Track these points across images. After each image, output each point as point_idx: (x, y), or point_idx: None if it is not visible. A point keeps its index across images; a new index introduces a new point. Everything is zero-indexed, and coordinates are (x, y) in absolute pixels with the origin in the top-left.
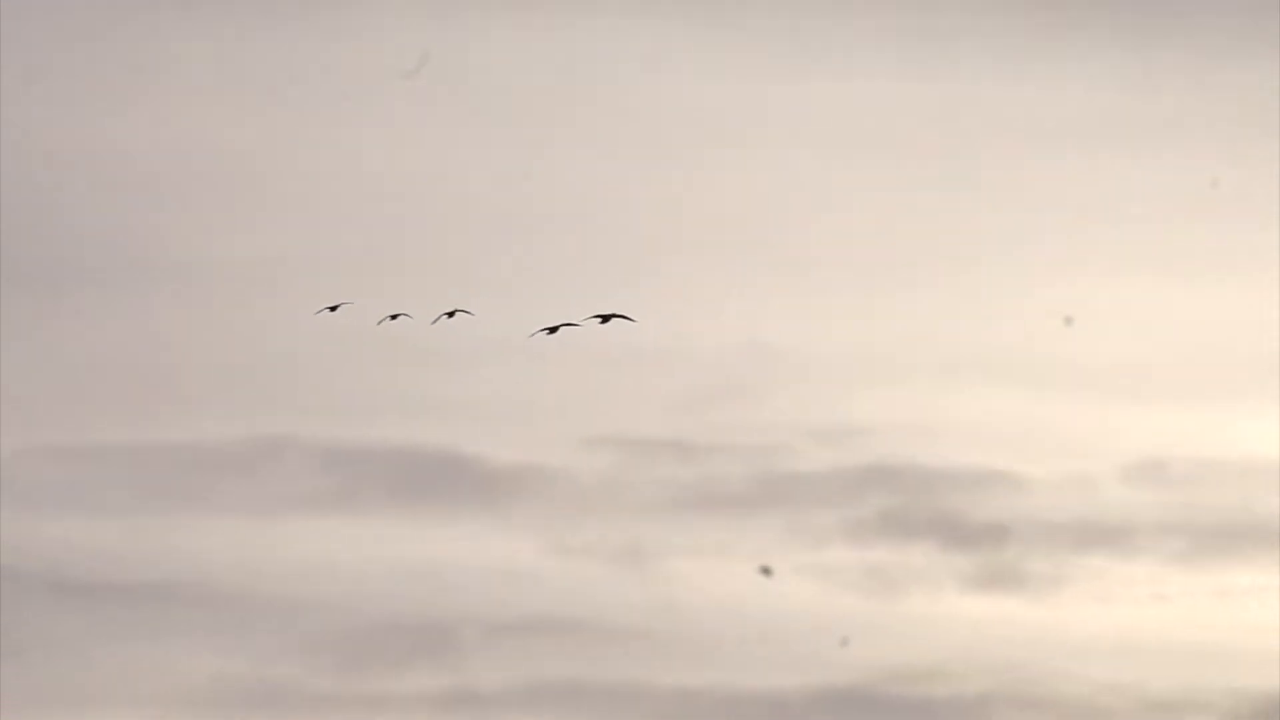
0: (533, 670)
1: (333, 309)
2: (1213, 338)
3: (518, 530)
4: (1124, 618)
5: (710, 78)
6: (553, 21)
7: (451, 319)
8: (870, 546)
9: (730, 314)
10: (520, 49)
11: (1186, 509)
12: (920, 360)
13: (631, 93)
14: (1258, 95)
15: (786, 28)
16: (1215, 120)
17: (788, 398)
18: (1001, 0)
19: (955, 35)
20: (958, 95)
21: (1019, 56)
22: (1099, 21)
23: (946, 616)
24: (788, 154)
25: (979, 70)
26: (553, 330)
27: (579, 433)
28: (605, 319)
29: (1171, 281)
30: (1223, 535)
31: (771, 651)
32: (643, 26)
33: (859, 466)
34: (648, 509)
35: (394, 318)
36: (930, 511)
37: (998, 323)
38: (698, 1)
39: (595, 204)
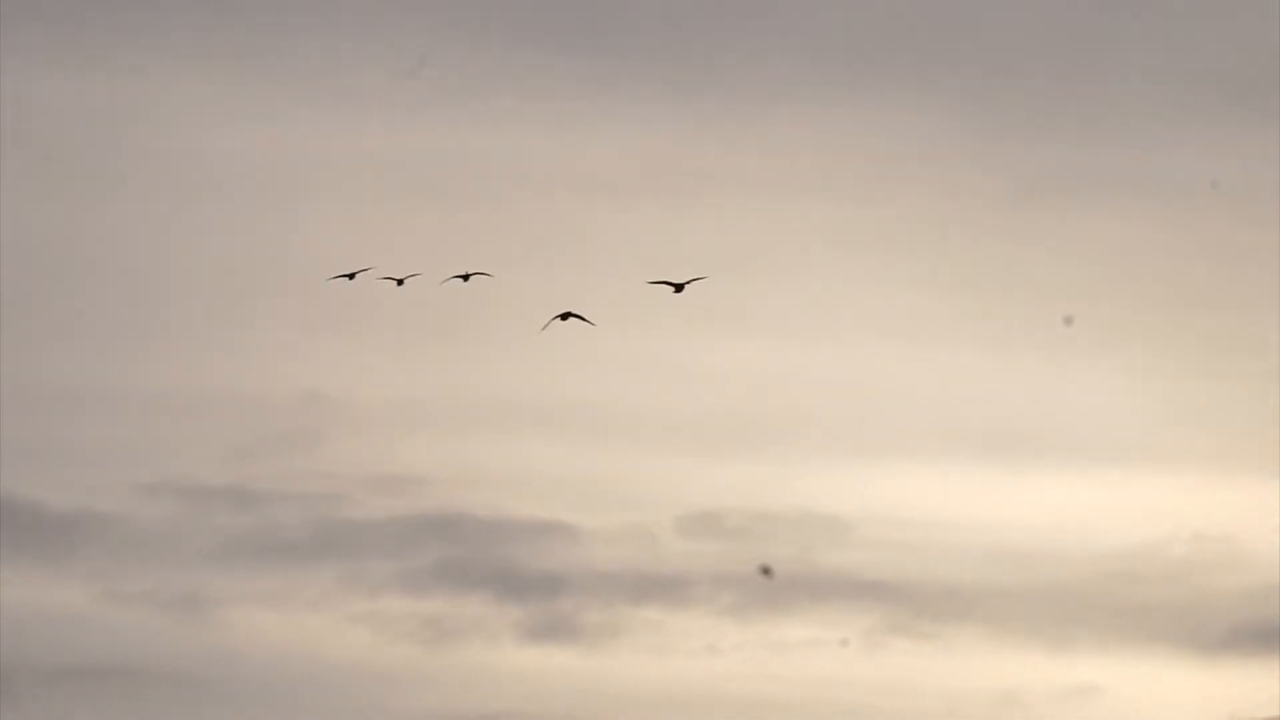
0: (87, 718)
1: (350, 277)
2: (767, 390)
3: (72, 577)
4: (678, 669)
5: (256, 125)
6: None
7: (466, 282)
8: (426, 596)
9: (288, 362)
10: (62, 98)
11: (740, 561)
12: (476, 410)
13: (174, 142)
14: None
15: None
16: (789, 170)
17: (345, 447)
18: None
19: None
20: (473, 146)
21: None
22: (650, 73)
23: (503, 667)
24: (344, 204)
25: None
26: (564, 318)
27: (135, 479)
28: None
29: (724, 335)
30: (776, 588)
31: (327, 700)
32: (177, 77)
33: (415, 516)
34: (204, 556)
35: (400, 283)
36: (486, 562)
37: (552, 373)
38: (228, 53)
39: (154, 252)
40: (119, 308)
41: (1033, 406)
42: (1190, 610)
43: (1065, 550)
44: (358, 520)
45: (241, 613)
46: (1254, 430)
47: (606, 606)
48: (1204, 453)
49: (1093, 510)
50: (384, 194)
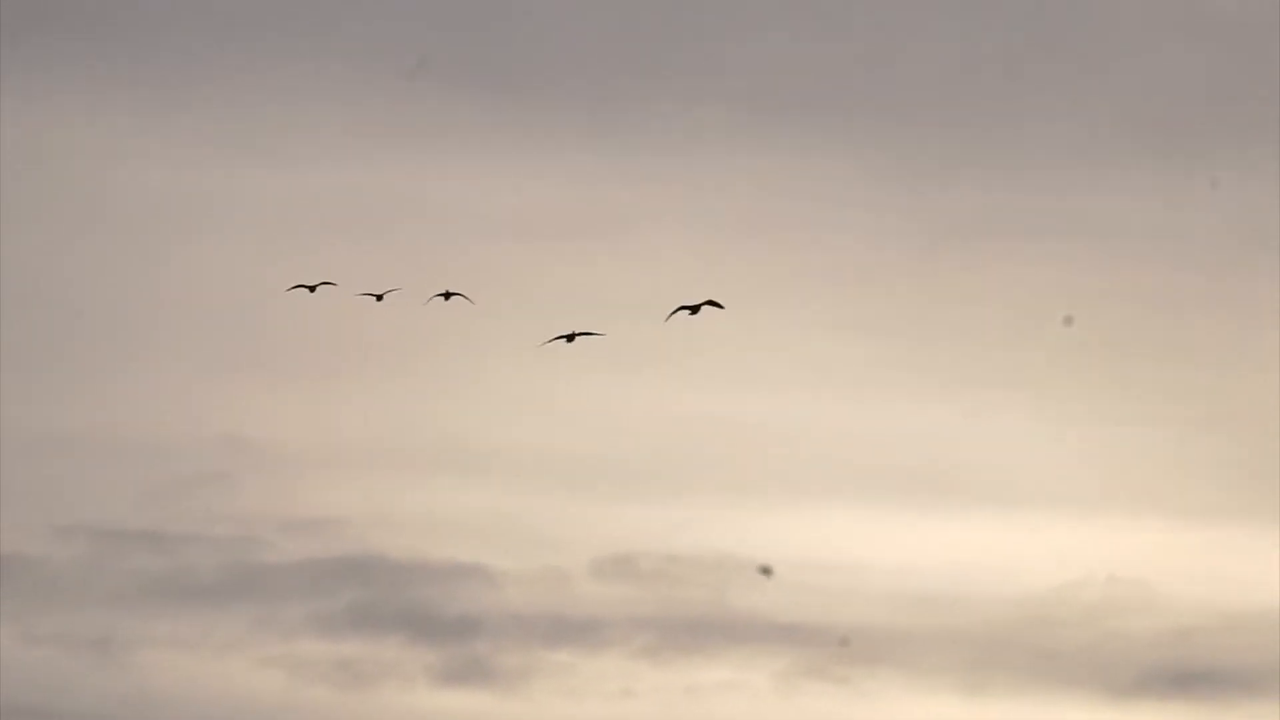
0: None
1: (310, 289)
2: (682, 433)
3: None
4: (593, 712)
5: (173, 164)
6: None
7: (447, 301)
8: (340, 639)
9: (203, 405)
10: None
11: (656, 605)
12: (390, 453)
13: (89, 181)
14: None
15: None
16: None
17: (259, 489)
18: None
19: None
20: (396, 187)
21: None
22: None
23: (416, 710)
24: (263, 243)
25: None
26: (570, 339)
27: (50, 521)
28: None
29: (639, 379)
30: (691, 630)
31: None
32: (91, 114)
33: (330, 559)
34: (118, 598)
35: (379, 298)
36: (401, 604)
37: (468, 415)
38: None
39: (69, 293)
40: (32, 348)
41: (948, 450)
42: (1104, 653)
43: (980, 593)
44: (272, 563)
45: (156, 655)
46: (1168, 474)
47: (521, 649)
48: (1118, 497)
49: (1007, 553)
50: (306, 233)
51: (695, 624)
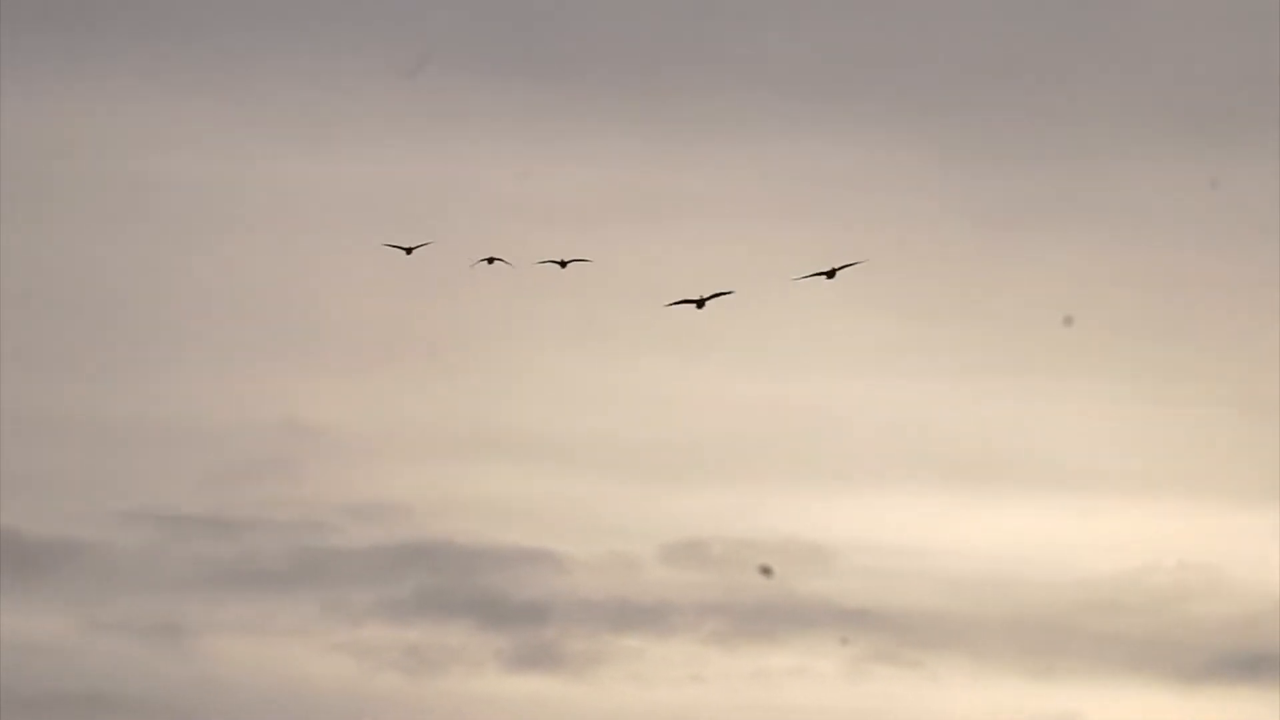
0: None
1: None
2: (749, 419)
3: (52, 605)
4: (662, 698)
5: (234, 156)
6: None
7: (564, 268)
8: (409, 625)
9: (267, 391)
10: (23, 126)
11: (724, 590)
12: (457, 439)
13: (149, 172)
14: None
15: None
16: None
17: (325, 475)
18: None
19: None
20: (437, 174)
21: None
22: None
23: (485, 695)
24: (316, 232)
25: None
26: (700, 304)
27: (114, 507)
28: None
29: (705, 365)
30: (760, 617)
31: None
32: (155, 103)
33: (396, 545)
34: (184, 585)
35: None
36: (468, 590)
37: (534, 401)
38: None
39: (133, 283)
40: (96, 337)
41: (1014, 434)
42: (1173, 639)
43: (1047, 578)
44: (338, 548)
45: (222, 641)
46: (1238, 458)
47: (590, 635)
48: (1187, 480)
49: (1075, 538)
50: (353, 223)
51: (764, 611)
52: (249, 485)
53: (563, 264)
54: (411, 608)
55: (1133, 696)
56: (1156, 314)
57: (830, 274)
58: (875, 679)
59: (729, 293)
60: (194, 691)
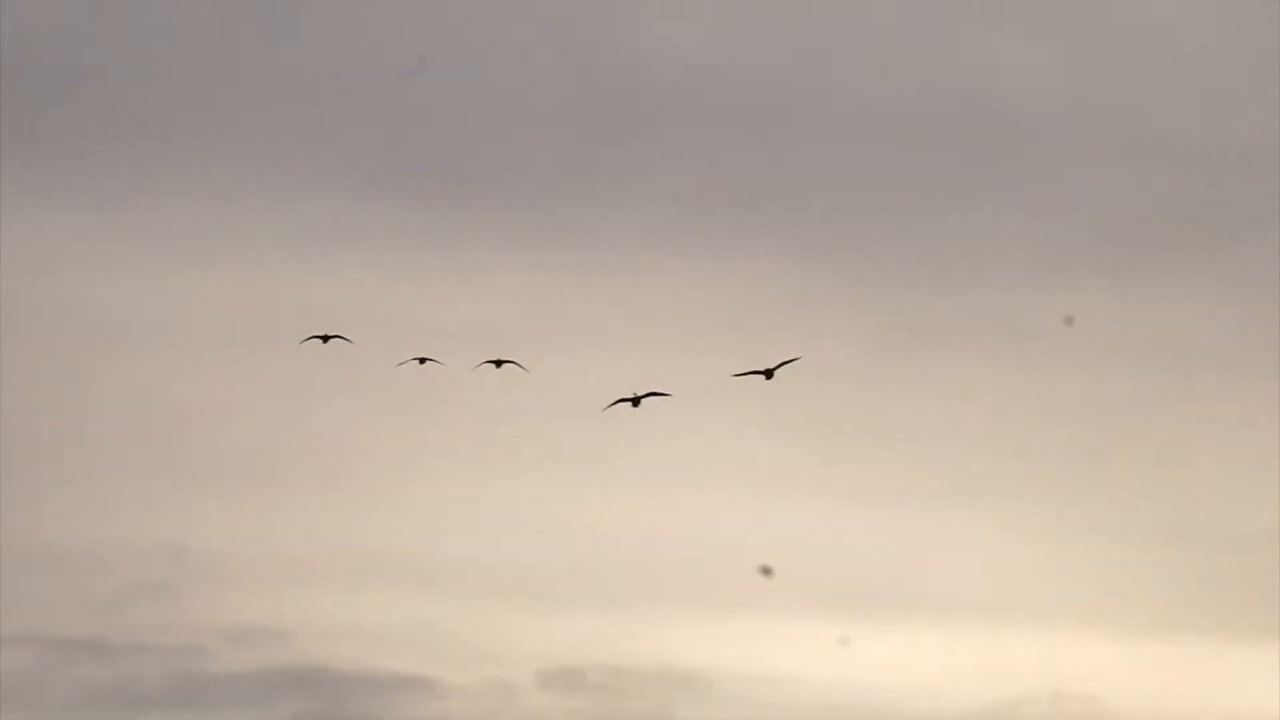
0: None
1: (323, 339)
2: (629, 544)
3: None
4: None
5: (117, 274)
6: None
7: (499, 369)
8: None
9: (147, 515)
10: None
11: (601, 717)
12: (333, 563)
13: (26, 289)
14: None
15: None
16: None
17: (204, 599)
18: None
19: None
20: (333, 295)
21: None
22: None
23: None
24: (197, 358)
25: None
26: (635, 402)
27: None
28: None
29: (585, 489)
30: None
31: None
32: (24, 223)
33: (274, 670)
34: (64, 708)
35: (422, 361)
36: (344, 716)
37: (414, 526)
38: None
39: (14, 402)
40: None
41: (895, 562)
42: None
43: (927, 707)
44: (216, 674)
45: None
46: (1116, 587)
47: None
48: (1066, 609)
49: (953, 667)
50: (246, 342)
51: None
52: (129, 609)
53: (497, 364)
54: None
55: None
56: (1041, 441)
57: (768, 374)
58: None
59: (666, 394)
60: None
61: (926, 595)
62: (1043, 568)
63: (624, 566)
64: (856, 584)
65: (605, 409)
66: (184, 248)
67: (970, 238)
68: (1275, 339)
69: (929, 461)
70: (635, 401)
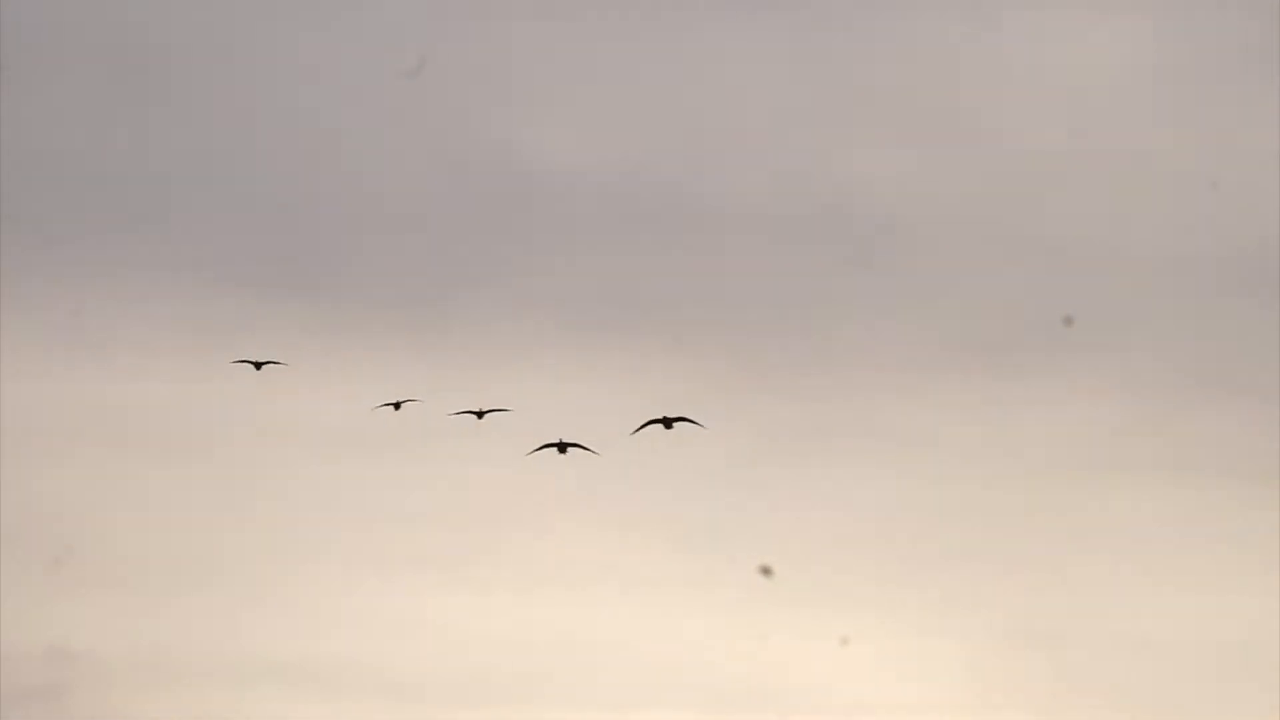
0: None
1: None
2: (502, 645)
3: None
4: None
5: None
6: None
7: (481, 419)
8: None
9: (28, 617)
10: None
11: None
12: (216, 665)
13: None
14: None
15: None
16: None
17: (87, 701)
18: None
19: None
20: (212, 393)
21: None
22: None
23: None
24: (86, 454)
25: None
26: (562, 449)
27: None
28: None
29: (459, 590)
30: None
31: None
32: None
33: None
34: None
35: (397, 406)
36: None
37: (296, 628)
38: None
39: None
40: None
41: (759, 663)
42: None
43: None
44: None
45: None
46: (975, 686)
47: None
48: (927, 710)
49: None
50: (120, 445)
51: None
52: (12, 713)
53: (480, 414)
54: None
55: None
56: (905, 542)
57: (668, 424)
58: None
59: (592, 451)
60: None
61: (794, 696)
62: (933, 671)
63: (496, 666)
64: (723, 685)
65: (530, 454)
66: (57, 348)
67: (841, 343)
68: (1147, 440)
69: (796, 564)
70: (562, 448)
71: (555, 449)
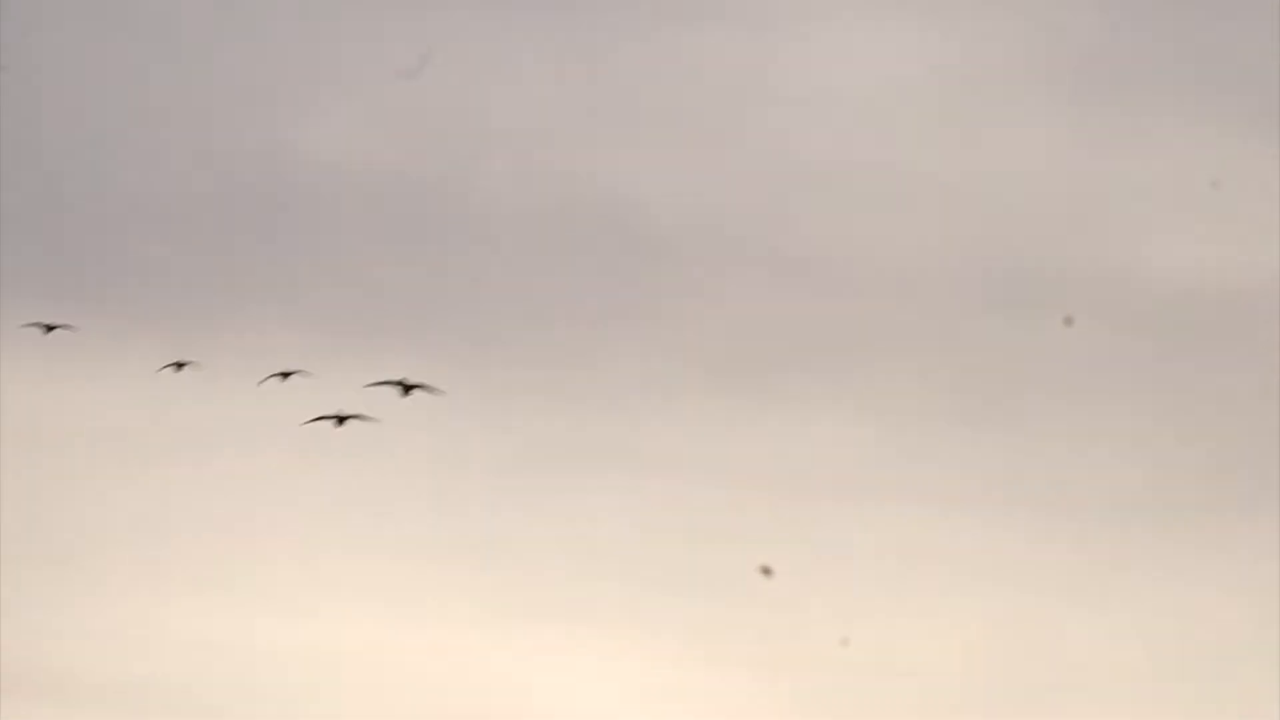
0: None
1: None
2: (295, 665)
3: None
4: None
5: None
6: None
7: (285, 380)
8: None
9: None
10: None
11: None
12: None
13: None
14: None
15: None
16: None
17: None
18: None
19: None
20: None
21: None
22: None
23: None
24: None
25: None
26: (340, 421)
27: None
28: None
29: (247, 607)
30: None
31: None
32: None
33: None
34: None
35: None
36: None
37: (85, 645)
38: None
39: None
40: None
41: (528, 688)
42: None
43: None
44: None
45: None
46: (728, 716)
47: None
48: None
49: None
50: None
51: None
52: None
53: (340, 420)
54: None
55: None
56: (674, 569)
57: (406, 390)
58: None
59: (374, 419)
60: None
61: (531, 714)
62: (672, 699)
63: (295, 683)
64: (489, 712)
65: (306, 424)
66: None
67: (595, 357)
68: (906, 463)
69: (543, 585)
70: (340, 420)
71: (334, 421)
